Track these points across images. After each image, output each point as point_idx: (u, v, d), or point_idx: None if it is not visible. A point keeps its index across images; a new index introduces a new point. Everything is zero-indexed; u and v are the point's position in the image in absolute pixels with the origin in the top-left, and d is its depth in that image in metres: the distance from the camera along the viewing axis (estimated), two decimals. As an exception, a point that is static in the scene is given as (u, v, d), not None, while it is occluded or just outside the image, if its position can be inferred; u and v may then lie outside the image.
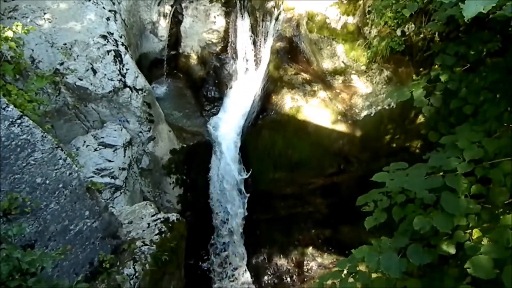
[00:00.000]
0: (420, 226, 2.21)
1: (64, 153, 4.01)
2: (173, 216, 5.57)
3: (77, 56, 6.74)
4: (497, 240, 2.05)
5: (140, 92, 7.14)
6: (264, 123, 8.27)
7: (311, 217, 9.42)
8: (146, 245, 4.93)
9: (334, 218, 9.34)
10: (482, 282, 2.22)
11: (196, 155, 8.26)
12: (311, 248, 9.69)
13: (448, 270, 2.69)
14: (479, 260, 2.04)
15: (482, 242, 2.16)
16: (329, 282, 2.98)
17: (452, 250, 2.29)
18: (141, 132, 7.28)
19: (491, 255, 2.02)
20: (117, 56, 7.06)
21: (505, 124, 2.50)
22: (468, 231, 2.30)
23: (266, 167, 8.52)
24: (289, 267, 9.79)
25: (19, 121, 3.53)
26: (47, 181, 3.78)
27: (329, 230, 9.49)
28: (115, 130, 6.88)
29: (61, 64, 6.58)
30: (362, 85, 8.33)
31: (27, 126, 3.62)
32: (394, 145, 8.21)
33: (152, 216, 5.46)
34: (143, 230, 5.20)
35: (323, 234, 9.57)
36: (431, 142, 4.02)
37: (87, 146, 6.59)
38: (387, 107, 7.93)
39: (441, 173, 2.29)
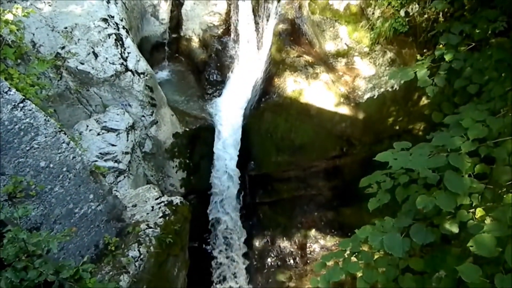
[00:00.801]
0: (423, 205, 2.21)
1: (67, 137, 4.02)
2: (176, 199, 5.60)
3: (78, 40, 6.70)
4: (500, 218, 2.05)
5: (142, 76, 7.11)
6: (267, 106, 8.24)
7: (314, 200, 9.46)
8: (151, 227, 4.97)
9: (337, 201, 9.38)
10: (484, 262, 2.23)
11: (199, 139, 8.27)
12: (313, 230, 9.75)
13: (450, 250, 2.70)
14: (482, 238, 2.04)
15: (485, 221, 2.17)
16: (332, 261, 3.00)
17: (455, 229, 2.30)
18: (143, 116, 7.28)
19: (493, 233, 2.02)
20: (118, 39, 7.01)
21: (510, 103, 2.48)
22: (471, 210, 2.31)
23: (269, 150, 8.52)
24: (292, 249, 9.87)
25: (21, 104, 3.53)
26: (51, 165, 3.80)
27: (332, 212, 9.53)
28: (118, 114, 6.87)
29: (62, 48, 6.55)
30: (365, 67, 8.26)
31: (30, 110, 3.62)
32: (397, 127, 8.19)
33: (156, 199, 5.49)
34: (147, 213, 5.24)
35: (325, 217, 9.62)
36: (435, 124, 4.01)
37: (90, 130, 6.60)
38: (390, 89, 7.88)
39: (444, 153, 2.29)
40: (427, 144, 2.49)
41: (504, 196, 2.15)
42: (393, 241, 2.38)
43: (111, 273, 4.38)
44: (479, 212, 2.25)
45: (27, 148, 3.61)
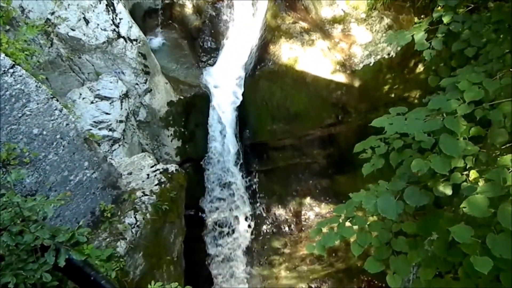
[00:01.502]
0: (418, 168, 2.22)
1: (60, 104, 3.97)
2: (172, 167, 5.61)
3: (68, 5, 6.52)
4: (494, 179, 2.06)
5: (134, 42, 6.97)
6: (262, 74, 8.15)
7: (309, 168, 9.51)
8: (146, 195, 5.00)
9: (332, 169, 9.44)
10: (476, 225, 2.26)
11: (193, 107, 8.20)
12: (308, 198, 9.86)
13: (443, 214, 2.74)
14: (475, 199, 2.06)
15: (479, 183, 2.19)
16: (327, 228, 3.03)
17: (449, 191, 2.31)
18: (137, 84, 7.18)
19: (486, 194, 2.04)
20: (110, 5, 6.83)
21: (508, 64, 2.45)
22: (465, 172, 2.32)
23: (264, 119, 8.49)
24: (287, 217, 10.01)
25: (11, 70, 3.46)
26: (44, 132, 3.77)
27: (327, 180, 9.60)
28: (111, 82, 6.78)
29: (52, 13, 6.37)
30: (361, 34, 8.14)
31: (20, 76, 3.56)
32: (393, 95, 8.16)
33: (151, 167, 5.50)
34: (143, 181, 5.25)
35: (320, 185, 9.70)
36: (431, 92, 3.98)
37: (83, 98, 6.52)
38: (386, 56, 7.81)
39: (440, 116, 2.28)
40: (423, 108, 2.48)
41: (499, 158, 2.16)
42: (387, 204, 2.40)
43: (108, 239, 4.43)
44: (473, 174, 2.27)
45: (19, 115, 3.57)
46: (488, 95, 2.27)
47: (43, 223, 2.52)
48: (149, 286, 3.31)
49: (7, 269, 2.26)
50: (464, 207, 2.07)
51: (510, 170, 2.00)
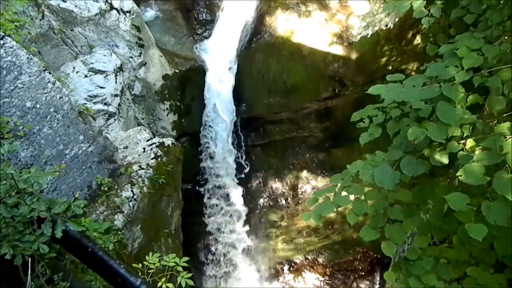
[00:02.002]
0: (414, 136, 2.21)
1: (53, 76, 3.91)
2: (168, 141, 5.59)
3: (58, -25, 6.35)
4: (491, 147, 2.06)
5: (128, 14, 6.83)
6: (258, 47, 8.05)
7: (305, 142, 9.52)
8: (143, 168, 4.99)
9: (328, 142, 9.45)
10: (471, 196, 2.27)
11: (189, 81, 8.11)
12: (305, 171, 9.90)
13: (438, 183, 2.74)
14: (471, 167, 2.06)
15: (475, 152, 2.18)
16: (324, 197, 3.03)
17: (445, 160, 2.31)
18: (131, 57, 7.08)
19: (483, 162, 2.04)
20: (101, -25, 6.66)
21: (508, 32, 2.40)
22: (462, 141, 2.31)
23: (261, 92, 8.44)
24: (284, 190, 10.09)
25: (1, 41, 3.39)
26: (38, 105, 3.72)
27: (323, 154, 9.63)
28: (105, 55, 6.67)
29: (42, -16, 6.21)
30: (359, 5, 8.00)
31: (11, 48, 3.48)
32: (390, 67, 8.09)
33: (147, 141, 5.47)
34: (139, 155, 5.23)
35: (317, 158, 9.73)
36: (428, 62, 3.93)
37: (77, 72, 6.42)
38: (384, 28, 7.70)
39: (438, 83, 2.25)
40: (420, 75, 2.45)
41: (496, 126, 2.14)
42: (383, 174, 2.40)
43: (105, 213, 4.45)
44: (470, 143, 2.25)
45: (11, 88, 3.51)
46: (487, 61, 2.23)
47: (39, 195, 2.52)
48: (147, 257, 3.33)
49: (4, 241, 2.26)
50: (460, 175, 2.07)
51: (507, 138, 2.00)
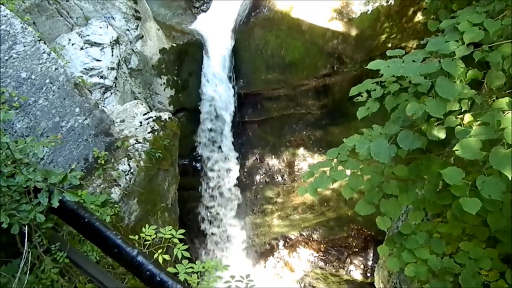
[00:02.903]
0: (413, 112, 2.20)
1: (48, 47, 3.85)
2: (165, 115, 5.57)
3: None
4: (488, 122, 2.05)
5: (124, -15, 6.69)
6: (256, 21, 7.93)
7: (303, 119, 9.49)
8: (140, 142, 4.98)
9: (326, 120, 9.43)
10: (467, 172, 2.28)
11: (186, 55, 8.02)
12: (302, 149, 9.91)
13: (435, 159, 2.75)
14: (468, 142, 2.06)
15: (473, 127, 2.18)
16: (319, 171, 3.03)
17: (442, 135, 2.31)
18: (128, 30, 6.97)
19: (480, 137, 2.04)
20: None
21: (510, 6, 2.36)
22: (459, 116, 2.31)
23: (259, 68, 8.35)
24: (280, 167, 10.11)
25: (-5, 9, 3.32)
26: (33, 76, 3.68)
27: (320, 131, 9.62)
28: (101, 28, 6.56)
29: (36, -48, 6.05)
30: (360, -20, 7.85)
31: (5, 16, 3.42)
32: (390, 44, 8.01)
33: (144, 114, 5.44)
34: (136, 129, 5.22)
35: (314, 135, 9.72)
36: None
37: (72, 44, 6.33)
38: (385, 4, 7.58)
39: (438, 58, 2.23)
40: (421, 50, 2.42)
41: (495, 101, 2.14)
42: (379, 147, 2.40)
43: (102, 186, 4.47)
44: (468, 118, 2.25)
45: (6, 58, 3.46)
46: (488, 36, 2.21)
47: (35, 165, 2.51)
48: (143, 229, 3.36)
49: (1, 210, 2.27)
50: (457, 150, 2.07)
51: (505, 113, 1.99)
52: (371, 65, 2.54)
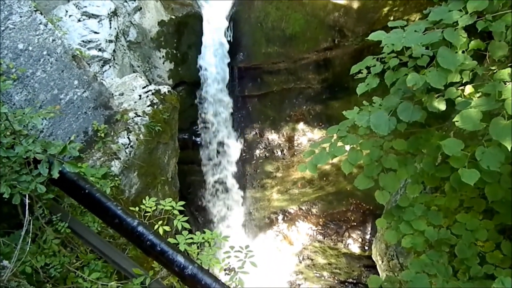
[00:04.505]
0: (413, 83, 2.18)
1: (45, 18, 3.79)
2: (164, 88, 5.53)
3: None
4: (489, 93, 2.04)
5: (121, -45, 6.54)
6: (257, -7, 7.80)
7: (303, 93, 9.44)
8: (139, 116, 4.97)
9: (326, 94, 9.38)
10: (466, 145, 2.28)
11: (186, 27, 7.89)
12: (302, 123, 9.90)
13: (434, 132, 2.75)
14: (468, 113, 2.05)
15: (474, 98, 2.17)
16: (319, 148, 3.03)
17: (442, 106, 2.30)
18: (126, 1, 6.85)
19: (480, 108, 2.03)
20: None
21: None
22: (460, 88, 2.30)
23: (259, 41, 8.25)
24: (280, 142, 10.12)
25: (-11, -22, 3.25)
26: (30, 48, 3.64)
27: (320, 105, 9.58)
28: (98, -1, 6.46)
29: None
30: (363, -50, 7.67)
31: (-1, -15, 3.35)
32: (392, 17, 7.89)
33: (143, 88, 5.41)
34: (135, 102, 5.19)
35: (314, 110, 9.69)
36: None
37: (69, 16, 6.23)
38: (388, -25, 7.43)
39: (441, 28, 2.20)
40: (423, 21, 2.38)
41: (496, 71, 2.12)
42: (379, 119, 2.39)
43: (102, 159, 4.48)
44: (469, 89, 2.24)
45: (2, 29, 3.42)
46: (492, 5, 2.16)
47: (34, 136, 2.51)
48: (143, 201, 3.39)
49: (1, 180, 2.28)
50: (457, 121, 2.06)
51: (507, 84, 1.98)
52: (372, 36, 2.51)
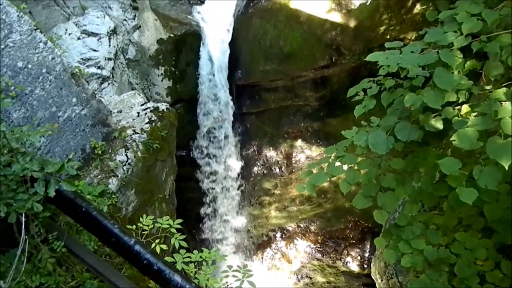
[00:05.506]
0: (411, 103, 2.20)
1: (44, 36, 3.82)
2: (162, 106, 5.55)
3: None
4: (486, 112, 2.06)
5: (121, -25, 6.64)
6: (255, 11, 7.89)
7: (300, 110, 9.48)
8: (137, 133, 4.97)
9: (324, 111, 9.42)
10: (463, 164, 2.28)
11: (184, 45, 7.98)
12: (300, 140, 9.92)
13: (431, 151, 2.76)
14: (465, 132, 2.07)
15: (470, 117, 2.18)
16: (317, 168, 3.04)
17: (440, 126, 2.31)
18: (125, 20, 6.92)
19: (477, 127, 2.04)
20: None
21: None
22: (457, 107, 2.32)
23: (257, 58, 8.32)
24: (278, 159, 10.12)
25: (-10, -2, 3.29)
26: (29, 66, 3.66)
27: (318, 123, 9.62)
28: (98, 17, 6.52)
29: None
30: (359, -30, 7.80)
31: (1, 5, 3.39)
32: (388, 36, 7.98)
33: (142, 105, 5.43)
34: (133, 119, 5.20)
35: (312, 127, 9.72)
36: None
37: (69, 34, 6.29)
38: (384, -5, 7.55)
39: (436, 49, 2.22)
40: (419, 42, 2.42)
41: (492, 91, 2.14)
42: (377, 139, 2.41)
43: (99, 176, 4.46)
44: (465, 108, 2.26)
45: (2, 47, 3.44)
46: (487, 27, 2.20)
47: (31, 154, 2.50)
48: (141, 219, 3.37)
49: (-2, 199, 2.26)
50: (454, 140, 2.08)
51: (502, 103, 2.00)
52: (370, 57, 2.54)
